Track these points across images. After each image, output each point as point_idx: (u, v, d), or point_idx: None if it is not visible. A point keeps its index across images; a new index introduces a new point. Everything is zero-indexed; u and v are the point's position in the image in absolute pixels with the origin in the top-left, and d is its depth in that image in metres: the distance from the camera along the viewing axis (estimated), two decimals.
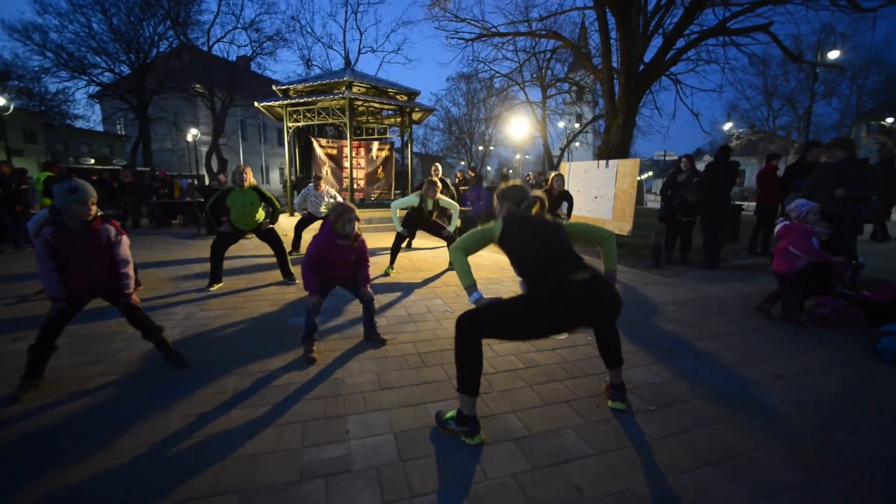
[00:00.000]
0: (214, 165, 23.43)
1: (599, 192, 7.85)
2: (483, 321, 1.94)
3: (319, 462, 1.83)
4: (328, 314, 3.77)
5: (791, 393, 2.48)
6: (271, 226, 4.92)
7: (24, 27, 19.47)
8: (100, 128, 28.13)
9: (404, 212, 5.68)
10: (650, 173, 60.49)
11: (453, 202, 6.03)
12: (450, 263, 5.65)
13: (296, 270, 5.04)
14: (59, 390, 2.42)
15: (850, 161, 4.13)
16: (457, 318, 1.99)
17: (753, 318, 3.85)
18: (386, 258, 5.68)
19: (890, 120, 24.78)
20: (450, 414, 2.07)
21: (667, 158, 18.16)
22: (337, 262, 2.90)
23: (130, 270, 2.58)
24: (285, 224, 11.62)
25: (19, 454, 1.86)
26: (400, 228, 5.57)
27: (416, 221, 5.58)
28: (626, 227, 7.48)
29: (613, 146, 7.96)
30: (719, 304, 4.28)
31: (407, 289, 4.72)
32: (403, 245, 6.61)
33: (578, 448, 1.95)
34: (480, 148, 38.20)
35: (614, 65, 8.50)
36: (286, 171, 12.38)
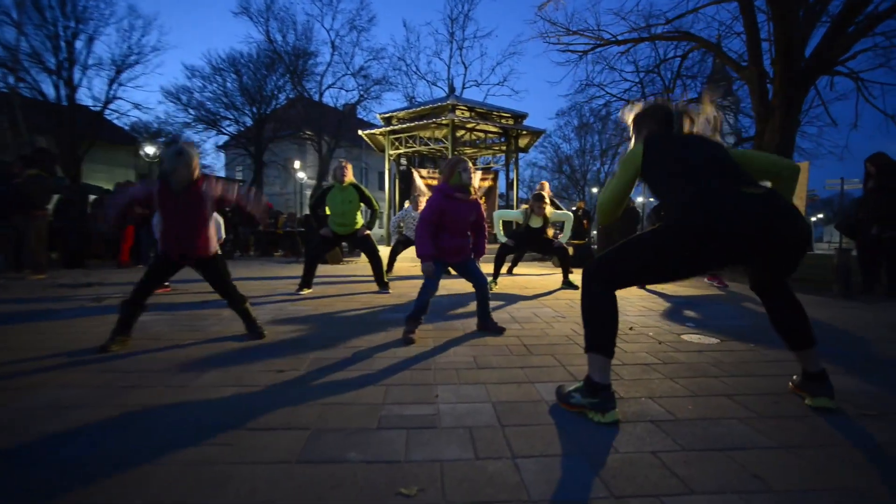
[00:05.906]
0: None
1: None
2: (616, 266, 1.74)
3: (400, 417, 1.68)
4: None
5: None
6: (368, 232, 5.13)
7: (177, 90, 24.72)
8: (222, 173, 33.46)
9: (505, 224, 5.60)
10: (820, 216, 50.10)
11: (565, 212, 5.79)
12: (564, 283, 5.27)
13: (394, 290, 5.14)
14: (157, 343, 2.66)
15: None
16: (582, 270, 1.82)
17: None
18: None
19: None
20: (574, 386, 1.76)
21: (846, 189, 15.37)
22: (455, 223, 2.90)
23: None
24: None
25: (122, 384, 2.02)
26: (503, 238, 5.44)
27: (522, 238, 5.40)
28: None
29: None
30: None
31: (511, 299, 4.51)
32: (504, 270, 6.43)
33: (751, 438, 1.52)
34: (594, 190, 36.84)
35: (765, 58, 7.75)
36: (386, 201, 13.25)
